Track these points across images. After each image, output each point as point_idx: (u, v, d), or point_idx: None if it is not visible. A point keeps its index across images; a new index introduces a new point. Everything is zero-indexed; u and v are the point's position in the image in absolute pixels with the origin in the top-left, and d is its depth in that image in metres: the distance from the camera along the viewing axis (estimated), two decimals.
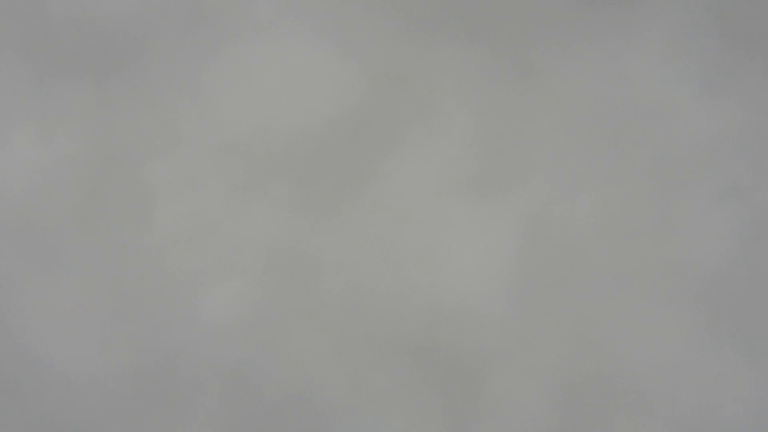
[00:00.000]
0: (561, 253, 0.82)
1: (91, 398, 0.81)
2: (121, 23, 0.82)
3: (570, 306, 0.81)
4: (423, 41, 0.82)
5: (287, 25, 0.82)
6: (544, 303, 0.81)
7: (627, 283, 0.82)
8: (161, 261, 0.81)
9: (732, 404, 0.82)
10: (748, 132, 0.83)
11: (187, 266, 0.81)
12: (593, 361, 0.81)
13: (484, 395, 0.81)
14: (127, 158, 0.82)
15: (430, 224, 0.82)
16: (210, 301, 0.81)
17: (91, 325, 0.81)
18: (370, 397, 0.81)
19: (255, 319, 0.81)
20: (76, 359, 0.81)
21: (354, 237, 0.82)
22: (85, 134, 0.82)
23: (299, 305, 0.82)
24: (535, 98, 0.82)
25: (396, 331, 0.81)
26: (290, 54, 0.82)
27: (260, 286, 0.82)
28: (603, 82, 0.82)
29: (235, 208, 0.82)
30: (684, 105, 0.82)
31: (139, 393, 0.81)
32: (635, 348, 0.81)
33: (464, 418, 0.81)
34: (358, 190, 0.82)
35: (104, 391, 0.81)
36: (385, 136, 0.82)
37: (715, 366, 0.82)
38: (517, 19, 0.82)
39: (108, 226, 0.82)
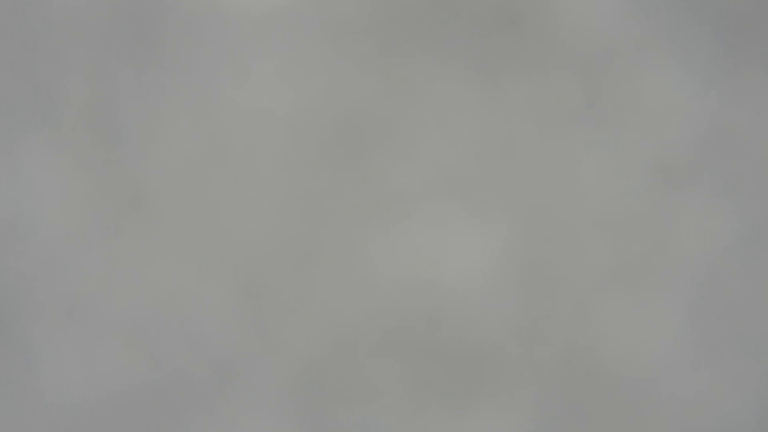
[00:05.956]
0: (560, 250, 0.82)
1: (89, 397, 0.81)
2: (120, 20, 0.83)
3: (569, 304, 0.81)
4: (421, 39, 0.83)
5: (286, 22, 0.83)
6: (543, 300, 0.81)
7: (626, 281, 0.82)
8: (160, 258, 0.82)
9: (732, 402, 0.82)
10: (748, 132, 0.83)
11: (186, 263, 0.82)
12: (593, 358, 0.81)
13: (484, 391, 0.81)
14: (126, 155, 0.82)
15: (429, 219, 0.82)
16: (207, 298, 0.81)
17: (89, 324, 0.81)
18: (369, 394, 0.81)
19: (252, 315, 0.81)
20: (74, 358, 0.81)
21: (352, 233, 0.82)
22: (84, 132, 0.82)
23: (297, 301, 0.82)
24: (533, 97, 0.83)
25: (395, 325, 0.81)
26: (288, 51, 0.83)
27: (258, 282, 0.82)
28: (601, 81, 0.83)
29: (232, 205, 0.82)
30: (684, 105, 0.83)
31: (137, 391, 0.81)
32: (634, 346, 0.81)
33: (464, 414, 0.81)
34: (356, 187, 0.82)
35: (103, 390, 0.81)
36: (384, 133, 0.82)
37: (714, 364, 0.82)
38: (515, 17, 0.83)
39: (107, 224, 0.82)
